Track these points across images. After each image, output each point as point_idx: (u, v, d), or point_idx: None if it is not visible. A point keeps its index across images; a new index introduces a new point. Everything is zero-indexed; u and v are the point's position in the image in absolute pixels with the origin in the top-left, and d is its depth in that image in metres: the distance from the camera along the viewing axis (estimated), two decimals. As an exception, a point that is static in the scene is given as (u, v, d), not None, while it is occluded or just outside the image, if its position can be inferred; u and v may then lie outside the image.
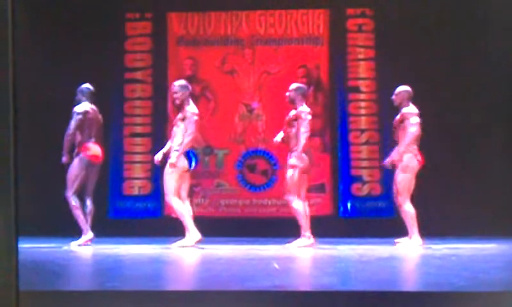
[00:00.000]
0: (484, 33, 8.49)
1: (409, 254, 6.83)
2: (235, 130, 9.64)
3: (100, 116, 7.81)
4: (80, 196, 7.70)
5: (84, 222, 7.61)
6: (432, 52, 8.82)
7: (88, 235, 7.60)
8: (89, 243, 7.57)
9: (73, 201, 7.63)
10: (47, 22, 8.76)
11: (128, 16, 9.72)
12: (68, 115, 7.69)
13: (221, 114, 9.59)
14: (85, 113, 7.66)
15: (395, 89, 7.67)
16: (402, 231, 7.56)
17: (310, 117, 7.46)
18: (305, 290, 4.46)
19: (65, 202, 7.64)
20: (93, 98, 7.79)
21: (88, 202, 7.73)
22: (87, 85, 7.79)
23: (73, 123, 7.60)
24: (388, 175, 9.38)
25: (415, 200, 7.57)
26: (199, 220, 7.55)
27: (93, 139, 7.69)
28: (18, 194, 2.94)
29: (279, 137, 7.64)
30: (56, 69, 8.69)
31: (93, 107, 7.77)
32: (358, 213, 9.49)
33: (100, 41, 9.15)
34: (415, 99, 7.63)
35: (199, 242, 7.20)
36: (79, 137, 7.65)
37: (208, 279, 5.07)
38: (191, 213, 7.33)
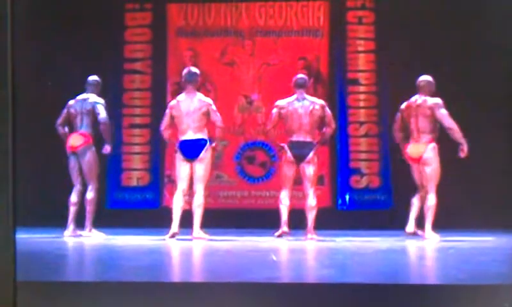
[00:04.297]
0: (487, 25, 8.46)
1: (408, 247, 6.83)
2: (234, 122, 9.62)
3: (91, 106, 7.78)
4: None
5: (70, 217, 7.64)
6: (433, 44, 8.80)
7: (68, 229, 7.62)
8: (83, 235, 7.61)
9: (71, 196, 7.71)
10: (46, 13, 8.73)
11: (127, 6, 9.69)
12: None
13: (221, 105, 9.51)
14: (68, 107, 7.82)
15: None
16: (400, 223, 7.56)
17: (274, 109, 7.67)
18: (303, 281, 4.46)
19: (63, 192, 7.69)
20: (93, 88, 7.80)
21: (88, 191, 7.74)
22: (92, 76, 7.85)
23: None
24: (386, 168, 9.40)
25: (413, 194, 7.59)
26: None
27: (77, 130, 7.75)
28: (16, 184, 2.93)
29: None
30: (55, 60, 8.67)
31: (85, 97, 7.77)
32: (357, 205, 9.49)
33: (100, 32, 9.11)
34: (416, 91, 7.65)
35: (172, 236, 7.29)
36: None
37: (206, 270, 5.07)
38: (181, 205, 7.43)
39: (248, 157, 9.60)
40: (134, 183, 9.60)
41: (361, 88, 9.62)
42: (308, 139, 7.49)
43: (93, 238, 7.53)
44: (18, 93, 2.98)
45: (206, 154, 7.41)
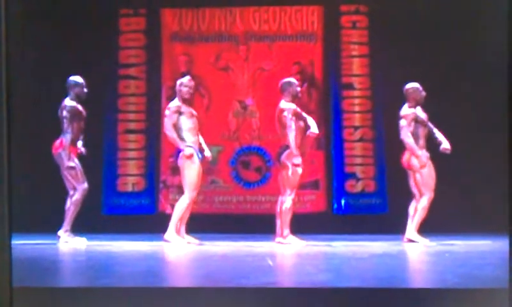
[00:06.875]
0: (481, 30, 8.48)
1: (403, 251, 6.83)
2: (229, 127, 9.62)
3: (60, 112, 7.76)
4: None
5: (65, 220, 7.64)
6: (426, 49, 8.82)
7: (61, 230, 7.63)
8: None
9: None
10: (41, 18, 8.73)
11: (122, 12, 9.69)
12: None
13: (215, 110, 9.57)
14: None
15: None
16: (395, 227, 7.57)
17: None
18: (299, 286, 4.46)
19: (59, 198, 7.69)
20: (69, 91, 7.77)
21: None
22: (71, 77, 7.82)
23: None
24: (381, 172, 9.40)
25: (408, 197, 7.60)
26: (193, 217, 7.55)
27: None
28: (12, 190, 2.93)
29: None
30: (50, 65, 8.67)
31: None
32: (352, 210, 9.49)
33: (94, 37, 9.11)
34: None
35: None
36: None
37: (202, 275, 5.07)
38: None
39: (243, 162, 9.60)
40: (129, 188, 9.58)
41: (356, 93, 9.63)
42: (283, 143, 7.54)
43: (76, 243, 7.46)
44: (13, 98, 2.97)
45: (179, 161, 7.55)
